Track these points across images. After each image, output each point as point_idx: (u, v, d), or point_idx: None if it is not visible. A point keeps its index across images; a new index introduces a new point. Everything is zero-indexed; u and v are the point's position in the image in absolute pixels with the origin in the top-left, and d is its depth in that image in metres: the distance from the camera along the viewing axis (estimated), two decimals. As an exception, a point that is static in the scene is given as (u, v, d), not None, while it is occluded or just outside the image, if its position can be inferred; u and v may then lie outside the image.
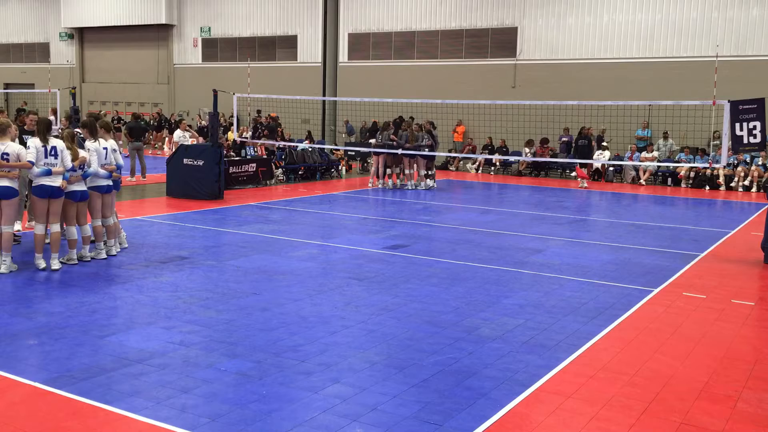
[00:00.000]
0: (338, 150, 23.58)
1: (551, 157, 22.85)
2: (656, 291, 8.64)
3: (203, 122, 28.16)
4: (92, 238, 9.58)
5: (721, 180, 20.38)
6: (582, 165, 20.83)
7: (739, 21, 21.91)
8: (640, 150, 22.21)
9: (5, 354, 5.89)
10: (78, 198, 9.06)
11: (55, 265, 8.76)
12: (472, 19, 26.03)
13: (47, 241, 9.08)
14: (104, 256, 9.48)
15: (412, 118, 22.54)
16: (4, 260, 8.52)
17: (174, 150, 16.95)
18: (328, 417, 4.87)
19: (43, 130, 8.70)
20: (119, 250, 9.88)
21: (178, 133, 19.65)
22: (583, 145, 21.31)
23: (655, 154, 21.93)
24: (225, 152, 17.24)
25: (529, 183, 21.74)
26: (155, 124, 30.68)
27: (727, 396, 5.49)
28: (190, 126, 22.21)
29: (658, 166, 21.55)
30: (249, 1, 30.67)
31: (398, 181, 19.13)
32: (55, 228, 8.85)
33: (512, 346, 6.47)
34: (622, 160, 21.69)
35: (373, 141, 20.00)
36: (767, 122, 11.78)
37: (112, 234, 9.69)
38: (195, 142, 18.97)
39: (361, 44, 28.38)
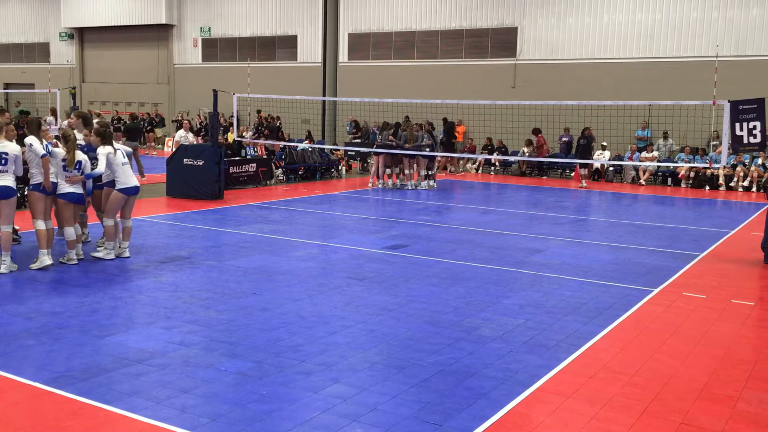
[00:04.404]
0: (338, 150, 23.58)
1: (548, 156, 22.85)
2: (656, 291, 8.64)
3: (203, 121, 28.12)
4: (84, 239, 9.70)
5: (721, 180, 20.38)
6: (582, 165, 20.84)
7: (739, 21, 21.91)
8: (640, 150, 22.22)
9: (5, 354, 5.89)
10: (74, 199, 9.10)
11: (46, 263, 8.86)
12: (472, 19, 26.03)
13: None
14: (112, 256, 9.51)
15: (407, 117, 22.65)
16: (4, 260, 8.54)
17: (174, 150, 16.96)
18: (328, 417, 4.87)
19: (36, 130, 8.86)
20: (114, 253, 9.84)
21: (180, 133, 19.65)
22: (583, 145, 21.34)
23: (655, 154, 21.93)
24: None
25: (529, 183, 21.73)
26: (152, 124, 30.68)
27: (727, 396, 5.49)
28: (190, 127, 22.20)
29: (658, 166, 21.56)
30: (249, 1, 30.67)
31: (398, 181, 19.13)
32: (49, 225, 9.04)
33: (512, 346, 6.47)
34: (622, 160, 21.70)
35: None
36: (767, 122, 11.78)
37: (111, 237, 9.66)
38: (195, 143, 18.99)
39: (361, 44, 28.38)
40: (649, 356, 6.32)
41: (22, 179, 9.25)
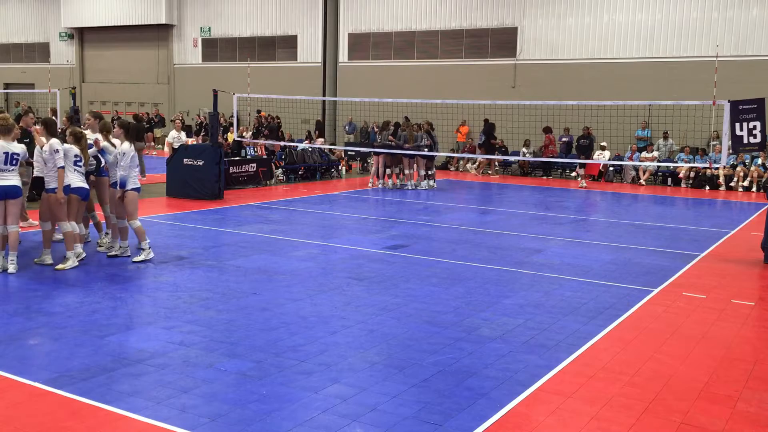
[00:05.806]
0: (335, 148, 23.58)
1: (551, 156, 22.86)
2: (656, 291, 8.64)
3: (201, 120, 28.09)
4: (85, 239, 9.82)
5: (721, 180, 20.38)
6: (581, 165, 20.84)
7: (739, 21, 21.91)
8: (640, 150, 22.22)
9: (5, 354, 5.89)
10: (84, 195, 9.18)
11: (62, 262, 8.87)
12: (472, 19, 26.03)
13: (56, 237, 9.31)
14: (128, 254, 9.61)
15: (406, 117, 22.71)
16: (12, 260, 8.55)
17: (170, 151, 16.95)
18: (328, 417, 4.87)
19: (54, 130, 9.01)
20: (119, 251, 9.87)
21: (172, 134, 19.54)
22: (584, 145, 21.32)
23: (655, 154, 21.93)
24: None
25: (529, 183, 21.73)
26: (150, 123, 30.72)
27: (727, 396, 5.49)
28: (189, 126, 22.16)
29: (658, 166, 21.56)
30: (249, 1, 30.67)
31: (398, 181, 19.14)
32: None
33: (512, 346, 6.47)
34: (622, 160, 21.70)
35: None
36: (767, 122, 11.78)
37: (143, 236, 9.63)
38: (194, 142, 18.96)
39: (361, 44, 28.38)
40: (649, 356, 6.32)
41: (38, 183, 9.34)
